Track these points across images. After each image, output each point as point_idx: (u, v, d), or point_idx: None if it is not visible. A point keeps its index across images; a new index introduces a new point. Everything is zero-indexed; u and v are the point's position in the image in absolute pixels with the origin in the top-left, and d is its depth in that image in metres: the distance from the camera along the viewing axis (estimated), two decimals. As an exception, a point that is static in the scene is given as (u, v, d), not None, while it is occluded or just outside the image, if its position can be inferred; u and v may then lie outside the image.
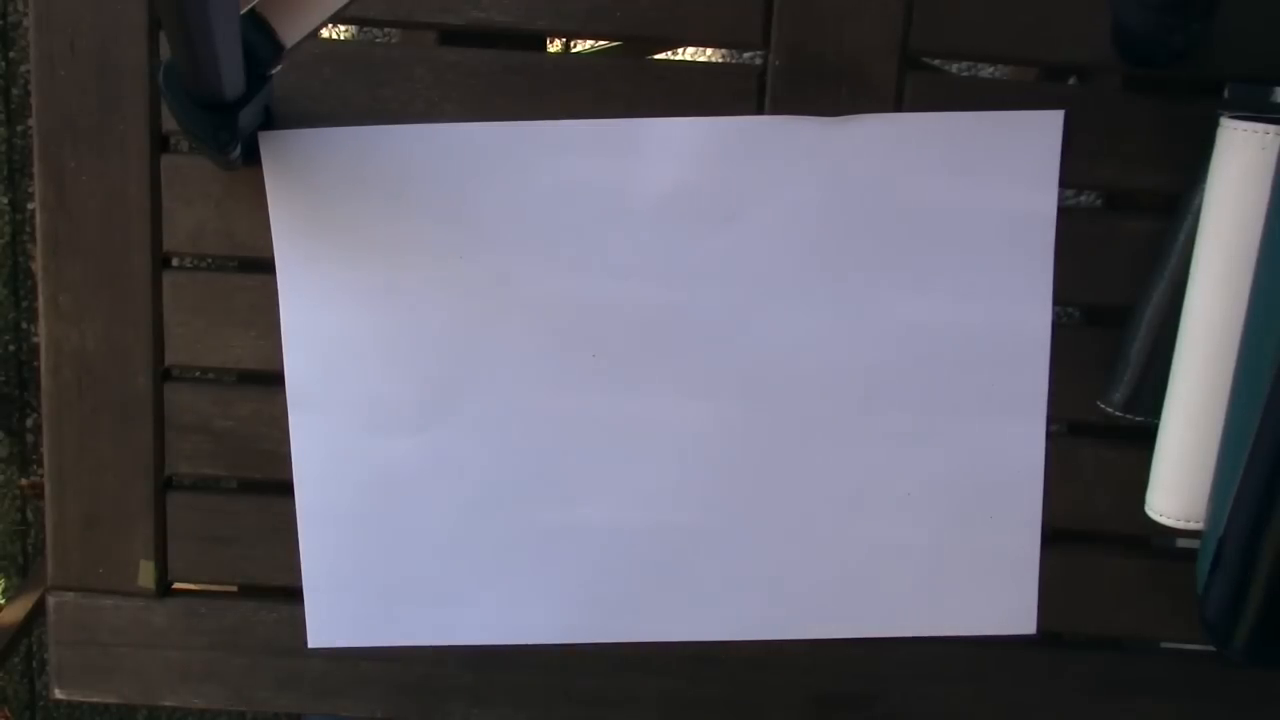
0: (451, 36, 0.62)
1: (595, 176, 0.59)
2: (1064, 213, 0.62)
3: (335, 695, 0.66)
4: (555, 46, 1.23)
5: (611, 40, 0.92)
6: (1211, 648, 0.60)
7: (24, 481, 1.62)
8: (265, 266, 0.62)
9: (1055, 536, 0.66)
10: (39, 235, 0.62)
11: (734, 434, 0.60)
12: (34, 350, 1.57)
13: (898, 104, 0.60)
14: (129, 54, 0.60)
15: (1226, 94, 0.63)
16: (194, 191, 0.61)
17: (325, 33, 0.54)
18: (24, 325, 1.59)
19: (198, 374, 0.65)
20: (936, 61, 0.81)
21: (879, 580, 0.63)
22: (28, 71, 1.23)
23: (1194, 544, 0.61)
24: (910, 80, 0.60)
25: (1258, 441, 0.54)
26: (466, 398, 0.60)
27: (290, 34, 0.52)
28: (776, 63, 0.60)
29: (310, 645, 0.65)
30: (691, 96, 0.60)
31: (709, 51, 1.35)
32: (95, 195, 0.61)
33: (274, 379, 0.63)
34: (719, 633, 0.64)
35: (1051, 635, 0.67)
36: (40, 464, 1.59)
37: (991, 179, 0.61)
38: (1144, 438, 0.62)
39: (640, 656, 0.66)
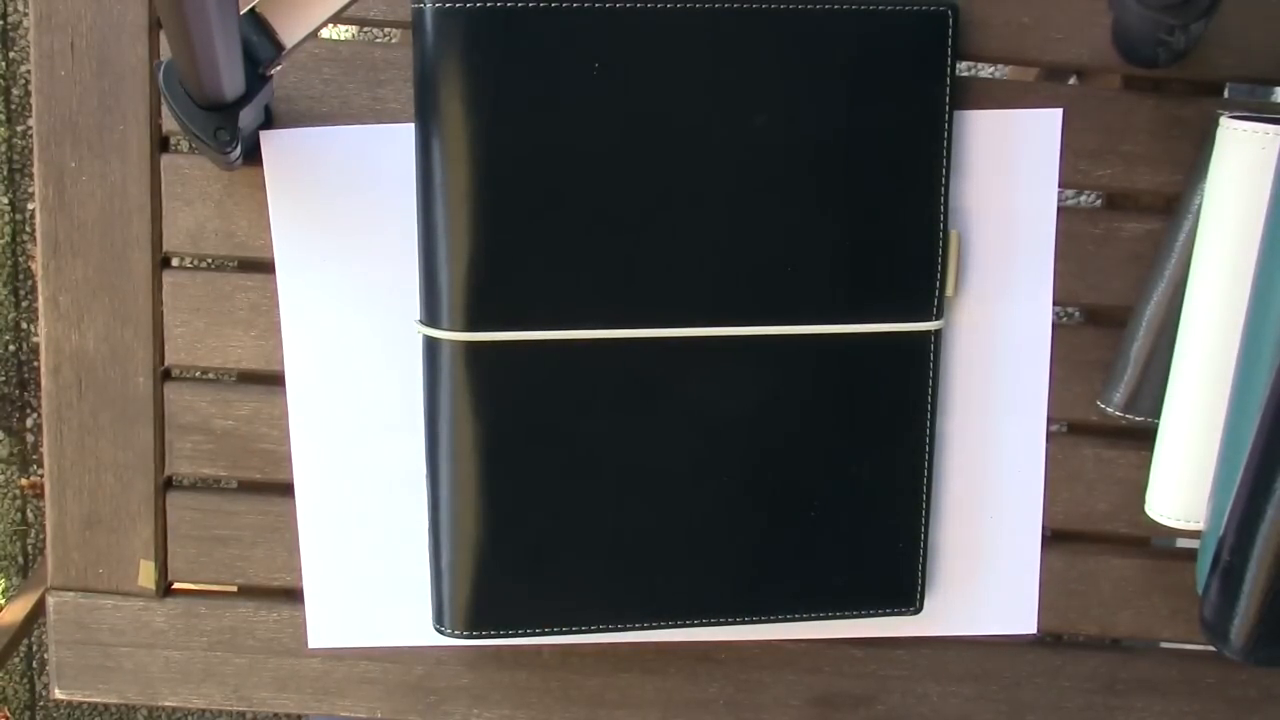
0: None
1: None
2: (1064, 213, 0.62)
3: (335, 695, 0.66)
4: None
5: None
6: (1211, 648, 0.60)
7: (24, 481, 1.62)
8: (265, 266, 0.62)
9: (1055, 536, 0.66)
10: (39, 235, 0.62)
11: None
12: (34, 350, 1.58)
13: (898, 104, 0.60)
14: (129, 54, 0.60)
15: (1226, 94, 0.63)
16: (194, 191, 0.62)
17: (325, 33, 0.54)
18: (24, 325, 1.59)
19: (198, 374, 0.65)
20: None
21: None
22: (28, 71, 1.23)
23: (1194, 544, 0.61)
24: (910, 80, 0.60)
25: (1257, 441, 0.54)
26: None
27: (290, 34, 0.52)
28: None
29: (310, 645, 0.65)
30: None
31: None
32: (95, 195, 0.61)
33: (274, 379, 0.63)
34: (718, 630, 0.65)
35: (1051, 635, 0.67)
36: (40, 464, 1.59)
37: (991, 178, 0.61)
38: (1144, 438, 0.62)
39: (640, 656, 0.66)
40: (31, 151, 0.61)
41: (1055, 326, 0.63)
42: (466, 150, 0.55)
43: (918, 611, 0.63)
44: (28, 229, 1.56)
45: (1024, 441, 0.64)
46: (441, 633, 0.61)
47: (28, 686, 1.67)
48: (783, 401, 0.60)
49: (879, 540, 0.62)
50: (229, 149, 0.53)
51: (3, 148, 1.54)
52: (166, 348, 0.63)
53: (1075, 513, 0.65)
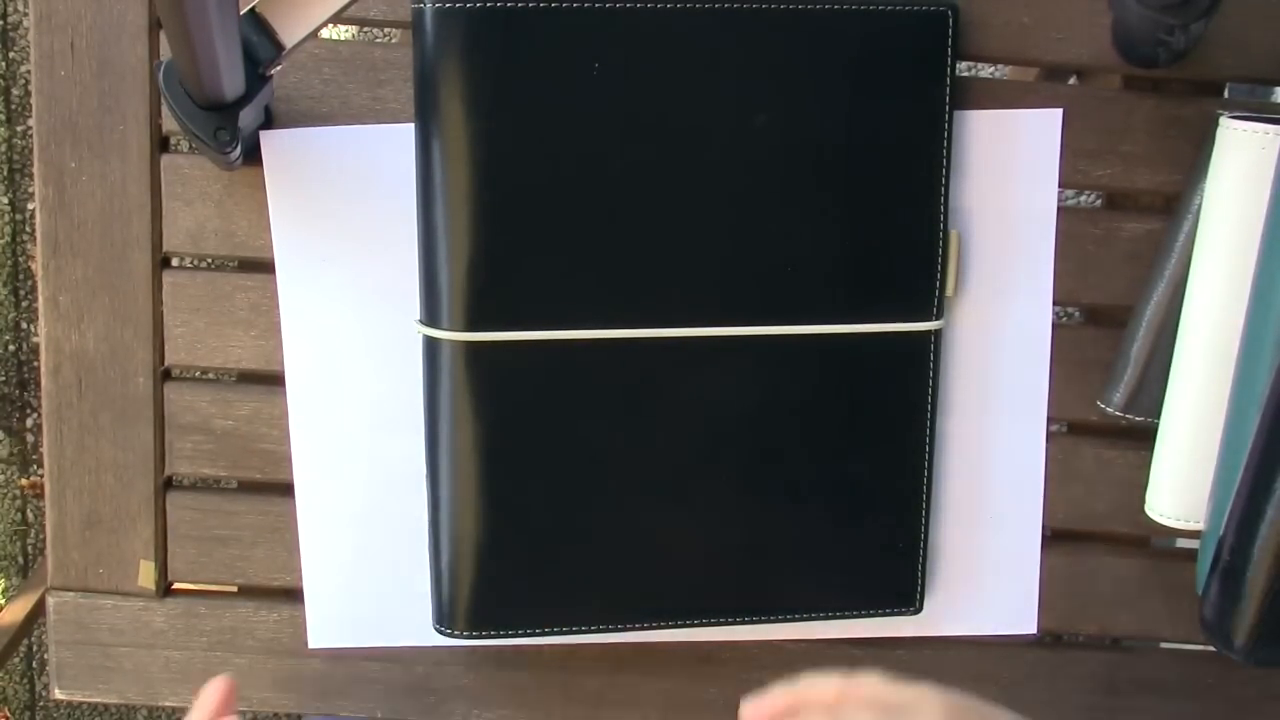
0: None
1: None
2: (1064, 213, 0.62)
3: (335, 695, 0.66)
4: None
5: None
6: (1211, 648, 0.60)
7: (24, 481, 1.62)
8: (265, 266, 0.62)
9: (1055, 536, 0.66)
10: (39, 235, 0.62)
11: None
12: (34, 350, 1.57)
13: (898, 104, 0.60)
14: (129, 54, 0.60)
15: (1226, 94, 0.63)
16: (194, 191, 0.62)
17: (325, 33, 0.54)
18: (24, 325, 1.59)
19: (198, 374, 0.65)
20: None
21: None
22: (28, 71, 1.23)
23: (1194, 544, 0.61)
24: (910, 80, 0.60)
25: (1257, 441, 0.54)
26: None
27: (290, 34, 0.52)
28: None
29: (310, 645, 0.65)
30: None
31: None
32: (95, 195, 0.61)
33: (274, 379, 0.63)
34: (719, 630, 0.65)
35: (1051, 635, 0.67)
36: (40, 464, 1.59)
37: (991, 178, 0.61)
38: (1144, 438, 0.62)
39: (640, 656, 0.66)
40: (31, 151, 0.61)
41: (1055, 326, 0.63)
42: (466, 150, 0.55)
43: (918, 611, 0.63)
44: (28, 229, 1.56)
45: (1024, 441, 0.64)
46: (442, 633, 0.61)
47: (28, 686, 1.67)
48: (783, 401, 0.60)
49: (879, 540, 0.62)
50: (229, 149, 0.53)
51: (3, 148, 1.54)
52: (166, 348, 0.63)
53: (1075, 513, 0.65)
